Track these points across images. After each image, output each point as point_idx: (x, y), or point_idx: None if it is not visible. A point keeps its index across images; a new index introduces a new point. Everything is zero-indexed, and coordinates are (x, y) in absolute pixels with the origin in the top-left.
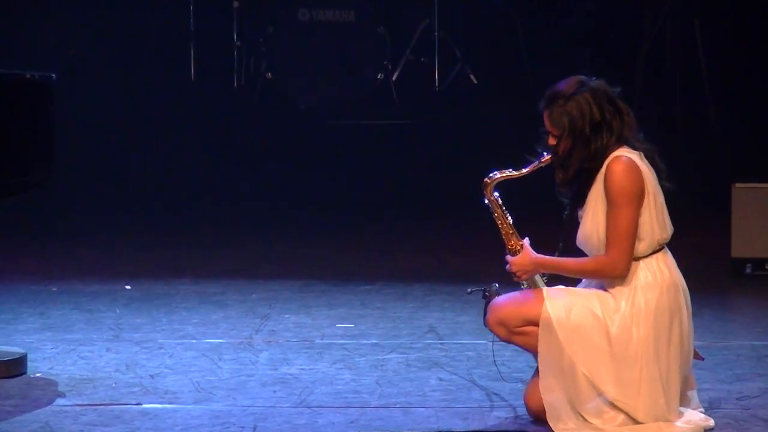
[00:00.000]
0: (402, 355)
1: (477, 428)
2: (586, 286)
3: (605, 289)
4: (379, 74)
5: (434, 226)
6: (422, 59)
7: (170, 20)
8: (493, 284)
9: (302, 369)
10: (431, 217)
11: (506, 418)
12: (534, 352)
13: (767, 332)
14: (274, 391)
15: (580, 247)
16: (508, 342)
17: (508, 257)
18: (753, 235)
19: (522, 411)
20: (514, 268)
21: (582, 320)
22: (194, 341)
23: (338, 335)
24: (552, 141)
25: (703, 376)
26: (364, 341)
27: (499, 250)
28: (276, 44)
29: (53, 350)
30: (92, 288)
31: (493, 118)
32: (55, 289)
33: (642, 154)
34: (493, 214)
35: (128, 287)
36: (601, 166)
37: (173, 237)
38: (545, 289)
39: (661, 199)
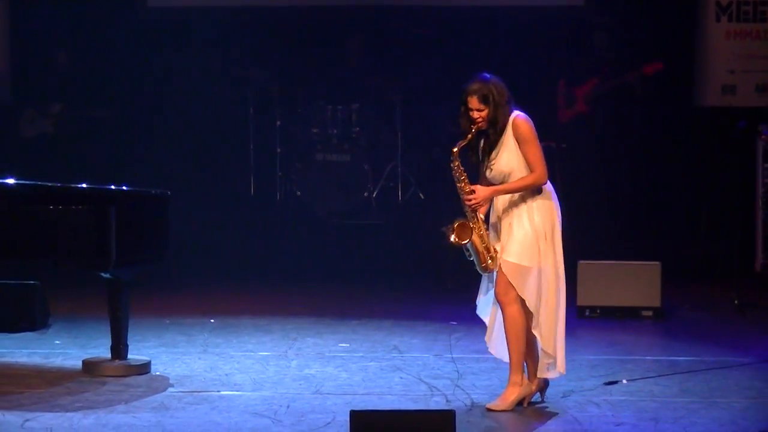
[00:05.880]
0: (377, 363)
1: (422, 407)
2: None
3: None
4: (365, 193)
5: (400, 284)
6: (391, 184)
7: (237, 158)
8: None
9: (317, 371)
10: (398, 278)
11: (446, 402)
12: None
13: (597, 350)
14: (300, 384)
15: (494, 181)
16: None
17: (468, 197)
18: (590, 291)
19: (451, 398)
20: (479, 193)
21: None
22: (252, 353)
23: (339, 350)
24: (478, 115)
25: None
26: (355, 354)
27: (433, 297)
28: (302, 174)
29: (166, 358)
30: (190, 321)
31: (436, 220)
32: (168, 321)
33: None
34: (455, 172)
35: (212, 321)
36: (507, 123)
37: (240, 291)
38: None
39: None
